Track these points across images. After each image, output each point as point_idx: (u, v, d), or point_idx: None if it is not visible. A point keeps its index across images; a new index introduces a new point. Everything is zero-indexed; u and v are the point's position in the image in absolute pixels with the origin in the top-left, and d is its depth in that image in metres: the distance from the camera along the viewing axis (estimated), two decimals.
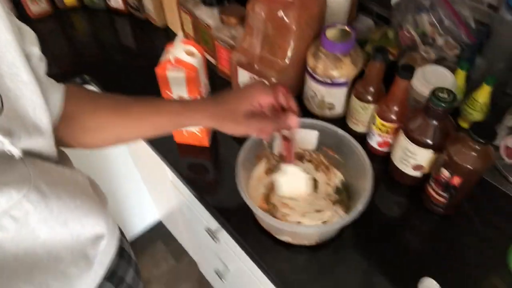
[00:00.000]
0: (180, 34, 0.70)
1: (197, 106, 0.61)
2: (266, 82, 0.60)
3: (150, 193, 1.58)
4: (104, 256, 0.63)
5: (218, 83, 0.99)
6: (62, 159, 0.62)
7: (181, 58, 0.70)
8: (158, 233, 1.82)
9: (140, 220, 1.77)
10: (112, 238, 0.65)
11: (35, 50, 0.50)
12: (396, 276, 0.68)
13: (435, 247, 0.72)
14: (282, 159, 0.65)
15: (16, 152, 0.44)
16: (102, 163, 1.29)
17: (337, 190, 0.76)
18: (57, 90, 0.56)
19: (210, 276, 1.56)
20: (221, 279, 1.09)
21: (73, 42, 1.16)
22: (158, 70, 0.71)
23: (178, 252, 1.78)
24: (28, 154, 0.48)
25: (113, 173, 1.36)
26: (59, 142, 0.59)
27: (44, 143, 0.50)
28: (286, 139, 0.65)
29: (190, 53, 0.72)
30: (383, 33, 0.93)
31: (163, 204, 1.54)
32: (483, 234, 0.73)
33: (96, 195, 0.61)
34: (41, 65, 0.52)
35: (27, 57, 0.47)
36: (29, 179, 0.45)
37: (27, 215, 0.45)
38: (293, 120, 0.60)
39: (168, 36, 1.15)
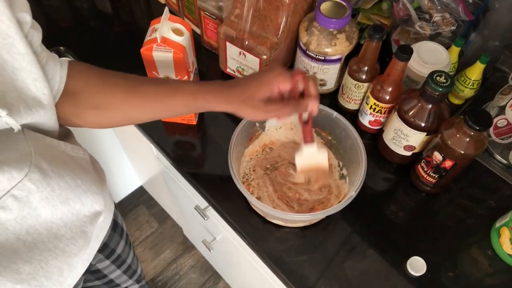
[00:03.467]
0: (166, 9, 0.65)
1: (213, 90, 0.58)
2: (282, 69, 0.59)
3: (132, 162, 1.54)
4: (100, 231, 0.63)
5: (205, 54, 0.94)
6: (65, 136, 0.61)
7: (168, 37, 0.65)
8: (140, 197, 1.82)
9: (121, 186, 1.75)
10: (109, 213, 0.65)
11: (27, 17, 0.46)
12: (384, 250, 0.70)
13: (422, 223, 0.74)
14: (303, 140, 0.65)
15: (14, 124, 0.43)
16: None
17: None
18: (58, 63, 0.54)
19: (194, 240, 1.58)
20: (209, 249, 1.10)
21: (44, 8, 1.07)
22: (143, 51, 0.66)
23: (161, 216, 1.79)
24: (30, 129, 0.48)
25: (91, 139, 1.31)
26: (64, 119, 0.57)
27: (46, 117, 0.49)
28: (305, 122, 0.64)
29: (177, 32, 0.67)
30: (376, 3, 0.89)
31: (146, 174, 1.51)
32: (468, 211, 0.75)
33: (95, 172, 0.61)
34: (35, 34, 0.49)
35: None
36: (29, 157, 0.45)
37: (29, 195, 0.45)
38: (314, 105, 0.59)
39: (148, 1, 1.07)
